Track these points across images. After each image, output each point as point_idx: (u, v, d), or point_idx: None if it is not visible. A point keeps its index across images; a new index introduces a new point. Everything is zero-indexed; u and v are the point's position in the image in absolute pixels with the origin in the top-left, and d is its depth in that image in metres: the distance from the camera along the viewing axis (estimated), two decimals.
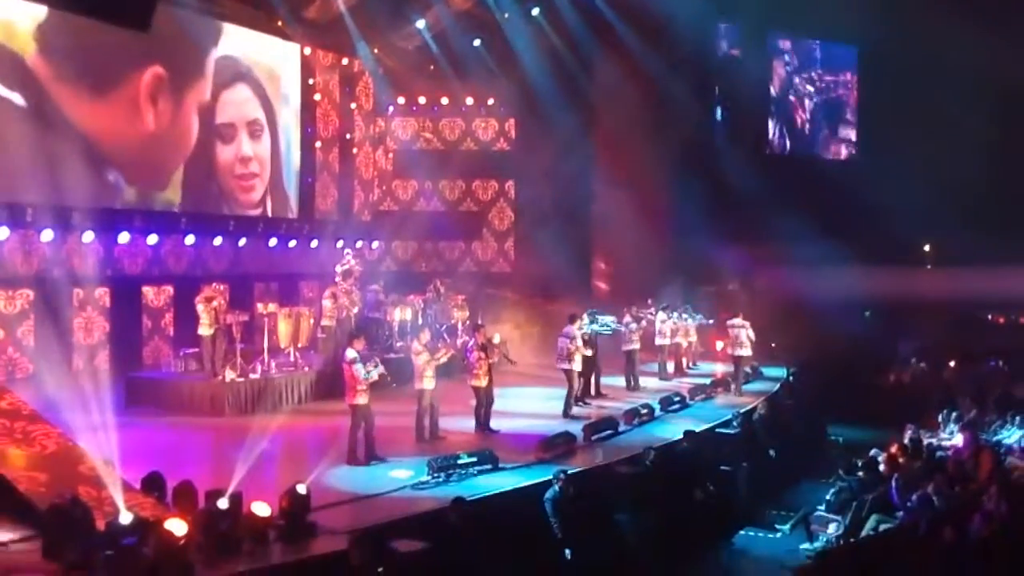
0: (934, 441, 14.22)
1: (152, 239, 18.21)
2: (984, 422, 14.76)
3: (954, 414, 15.25)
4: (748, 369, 18.38)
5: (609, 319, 17.03)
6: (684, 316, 19.37)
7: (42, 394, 11.76)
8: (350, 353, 11.77)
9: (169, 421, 13.80)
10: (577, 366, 15.09)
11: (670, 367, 18.90)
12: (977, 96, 25.73)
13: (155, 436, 12.63)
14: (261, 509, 8.46)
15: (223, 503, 8.22)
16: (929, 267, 28.68)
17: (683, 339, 19.27)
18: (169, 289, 18.73)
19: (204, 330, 15.18)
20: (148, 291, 18.45)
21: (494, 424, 13.53)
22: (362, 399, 11.62)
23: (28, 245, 16.14)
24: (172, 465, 9.77)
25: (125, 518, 7.89)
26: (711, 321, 20.37)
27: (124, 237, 17.65)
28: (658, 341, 18.61)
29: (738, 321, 17.81)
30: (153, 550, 7.55)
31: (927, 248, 28.96)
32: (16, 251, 15.99)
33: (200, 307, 15.21)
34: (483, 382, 13.35)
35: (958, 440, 13.53)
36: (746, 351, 17.77)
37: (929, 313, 23.02)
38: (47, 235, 16.17)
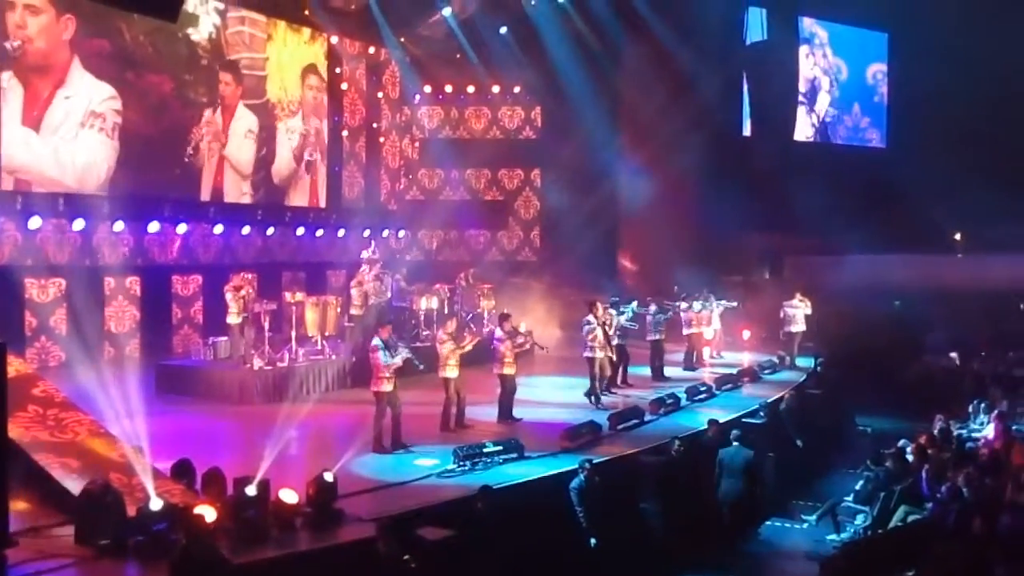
0: (964, 431, 14.07)
1: (181, 228, 18.41)
2: (1015, 412, 14.58)
3: (984, 404, 15.07)
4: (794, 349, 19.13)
5: (631, 307, 17.00)
6: (709, 304, 19.27)
7: (74, 382, 11.93)
8: (375, 341, 11.86)
9: (198, 409, 13.94)
10: (596, 354, 14.86)
11: (695, 357, 18.81)
12: (1010, 82, 25.32)
13: (185, 423, 12.77)
14: (289, 496, 8.52)
15: (251, 490, 8.28)
16: (960, 255, 28.29)
17: (707, 328, 19.18)
18: (198, 278, 18.94)
19: (232, 319, 15.34)
20: (177, 280, 18.66)
21: (519, 412, 13.56)
22: (387, 387, 11.68)
23: (60, 234, 16.39)
24: (201, 452, 9.85)
25: (155, 504, 7.99)
26: (736, 304, 20.28)
27: (154, 226, 17.86)
28: (685, 331, 18.54)
29: (795, 301, 18.85)
30: (183, 536, 7.65)
31: (958, 236, 28.57)
32: (48, 240, 16.25)
33: (229, 296, 15.35)
34: (510, 370, 13.40)
35: (989, 431, 13.39)
36: (800, 327, 18.89)
37: (960, 302, 22.68)
38: (79, 224, 16.41)
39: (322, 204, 21.71)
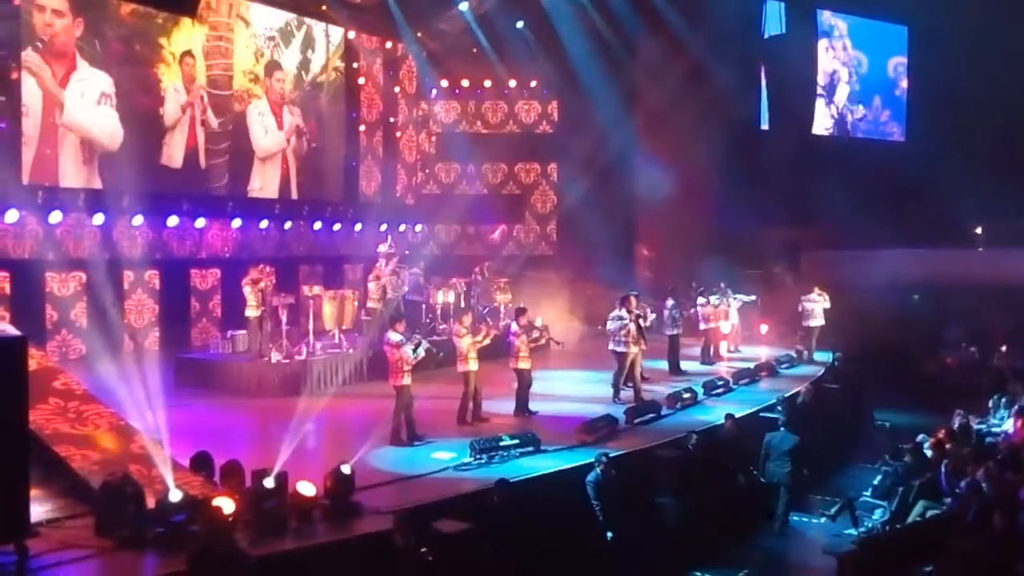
0: (984, 427, 13.97)
1: (200, 222, 18.52)
2: None
3: (1004, 399, 14.94)
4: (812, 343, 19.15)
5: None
6: (727, 298, 19.20)
7: (94, 374, 12.02)
8: (395, 336, 11.88)
9: (217, 401, 14.01)
10: (629, 349, 14.58)
11: (712, 351, 18.76)
12: None
13: (203, 416, 12.86)
14: (306, 488, 8.58)
15: (269, 482, 8.35)
16: (980, 249, 28.05)
17: (725, 322, 19.12)
18: (216, 272, 19.05)
19: (251, 312, 15.39)
20: (196, 274, 18.77)
21: (536, 406, 13.57)
22: (407, 380, 11.75)
23: (80, 229, 16.53)
24: (220, 444, 9.94)
25: (175, 496, 8.06)
26: (754, 297, 20.21)
27: (173, 221, 17.98)
28: (702, 326, 18.49)
29: (814, 296, 18.96)
30: (202, 527, 7.71)
31: (979, 230, 28.32)
32: (68, 235, 16.39)
33: (247, 289, 15.40)
34: (526, 364, 13.39)
35: (1008, 426, 13.30)
36: (819, 321, 18.97)
37: (979, 296, 22.49)
38: (98, 219, 16.55)
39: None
